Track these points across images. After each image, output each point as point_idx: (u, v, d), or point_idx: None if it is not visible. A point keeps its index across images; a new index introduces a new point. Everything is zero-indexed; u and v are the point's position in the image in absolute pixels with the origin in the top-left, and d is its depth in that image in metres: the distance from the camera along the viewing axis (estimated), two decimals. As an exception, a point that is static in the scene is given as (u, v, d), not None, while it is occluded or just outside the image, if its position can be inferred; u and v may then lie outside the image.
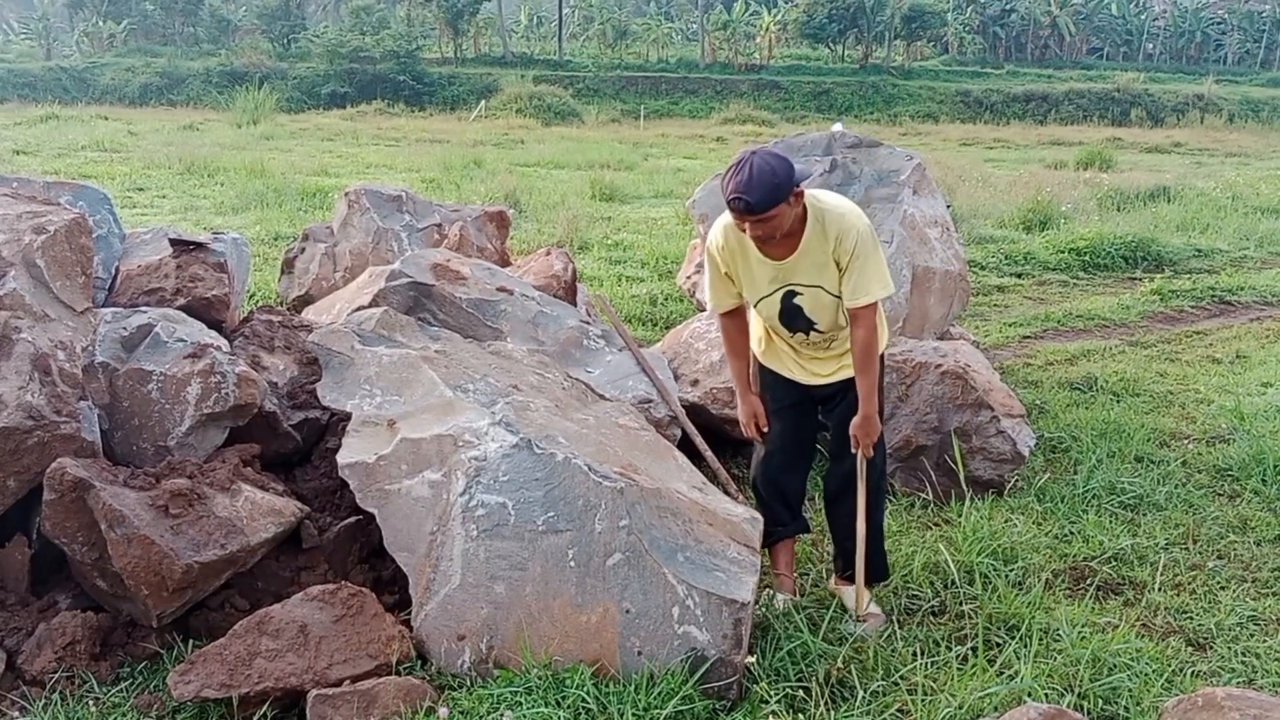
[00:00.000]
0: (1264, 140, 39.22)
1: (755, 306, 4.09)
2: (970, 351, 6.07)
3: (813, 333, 4.03)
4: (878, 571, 4.31)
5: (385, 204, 7.92)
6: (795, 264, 3.85)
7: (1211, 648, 4.12)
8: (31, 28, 71.90)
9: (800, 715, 3.46)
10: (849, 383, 4.08)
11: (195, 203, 14.52)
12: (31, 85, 52.86)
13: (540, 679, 3.48)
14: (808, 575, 4.60)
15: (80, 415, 3.95)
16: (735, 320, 4.17)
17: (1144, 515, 5.33)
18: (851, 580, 4.24)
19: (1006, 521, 5.10)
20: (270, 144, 25.28)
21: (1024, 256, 12.47)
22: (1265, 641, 4.16)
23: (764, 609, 4.04)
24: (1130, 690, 3.66)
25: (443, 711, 3.36)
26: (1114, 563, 4.79)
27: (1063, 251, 12.65)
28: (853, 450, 4.04)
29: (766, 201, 3.55)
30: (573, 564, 3.64)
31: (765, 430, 4.27)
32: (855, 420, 3.98)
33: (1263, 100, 56.18)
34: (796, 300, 3.94)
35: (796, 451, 4.34)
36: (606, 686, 3.47)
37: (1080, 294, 11.22)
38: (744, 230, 3.72)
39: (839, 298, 3.89)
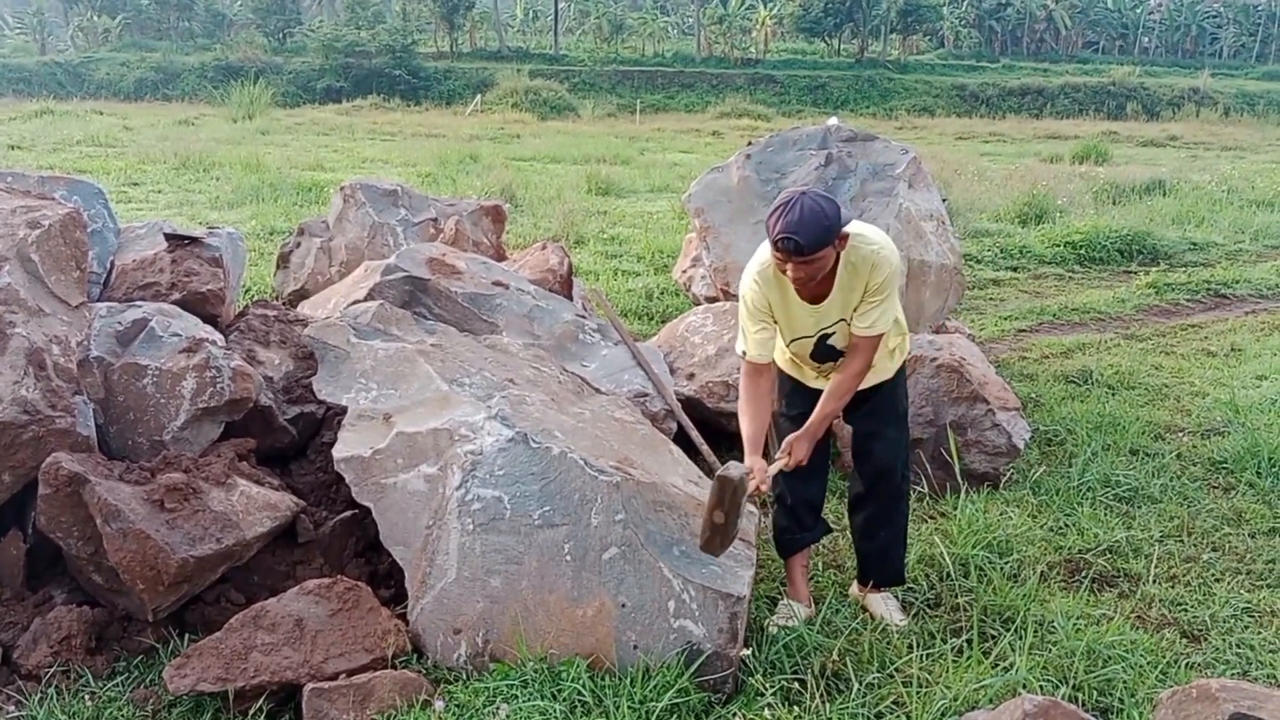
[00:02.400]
0: (1259, 133, 39.27)
1: (790, 345, 4.01)
2: (965, 345, 6.08)
3: (839, 362, 3.98)
4: (895, 576, 4.27)
5: (381, 199, 7.92)
6: (829, 306, 3.80)
7: (1206, 639, 4.13)
8: (26, 22, 71.78)
9: (795, 708, 3.46)
10: (869, 391, 4.05)
11: (191, 197, 14.50)
12: (26, 80, 52.78)
13: (536, 672, 3.49)
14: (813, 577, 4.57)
15: (75, 410, 3.94)
16: (764, 374, 3.93)
17: (1139, 508, 5.34)
18: (875, 588, 4.23)
19: (1002, 514, 5.10)
20: (266, 139, 25.24)
21: (1019, 250, 12.48)
22: (1259, 633, 4.17)
23: (778, 626, 3.96)
24: (1125, 682, 3.67)
25: (438, 705, 3.36)
26: (1109, 555, 4.80)
27: (1058, 245, 12.66)
28: (776, 457, 3.89)
29: (816, 243, 3.47)
30: (568, 558, 3.64)
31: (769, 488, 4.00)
32: (793, 435, 3.87)
33: (1258, 93, 56.25)
34: (829, 341, 3.90)
35: (817, 459, 4.16)
36: (602, 680, 3.47)
37: (1076, 287, 11.23)
38: (784, 272, 3.62)
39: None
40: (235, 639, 3.46)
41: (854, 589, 4.37)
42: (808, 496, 4.24)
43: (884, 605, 4.19)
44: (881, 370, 4.07)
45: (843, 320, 3.83)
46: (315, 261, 7.69)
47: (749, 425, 3.83)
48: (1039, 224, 13.97)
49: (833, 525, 4.64)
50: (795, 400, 4.20)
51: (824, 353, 3.96)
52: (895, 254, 3.79)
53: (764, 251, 3.78)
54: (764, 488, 3.73)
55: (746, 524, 3.99)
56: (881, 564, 4.24)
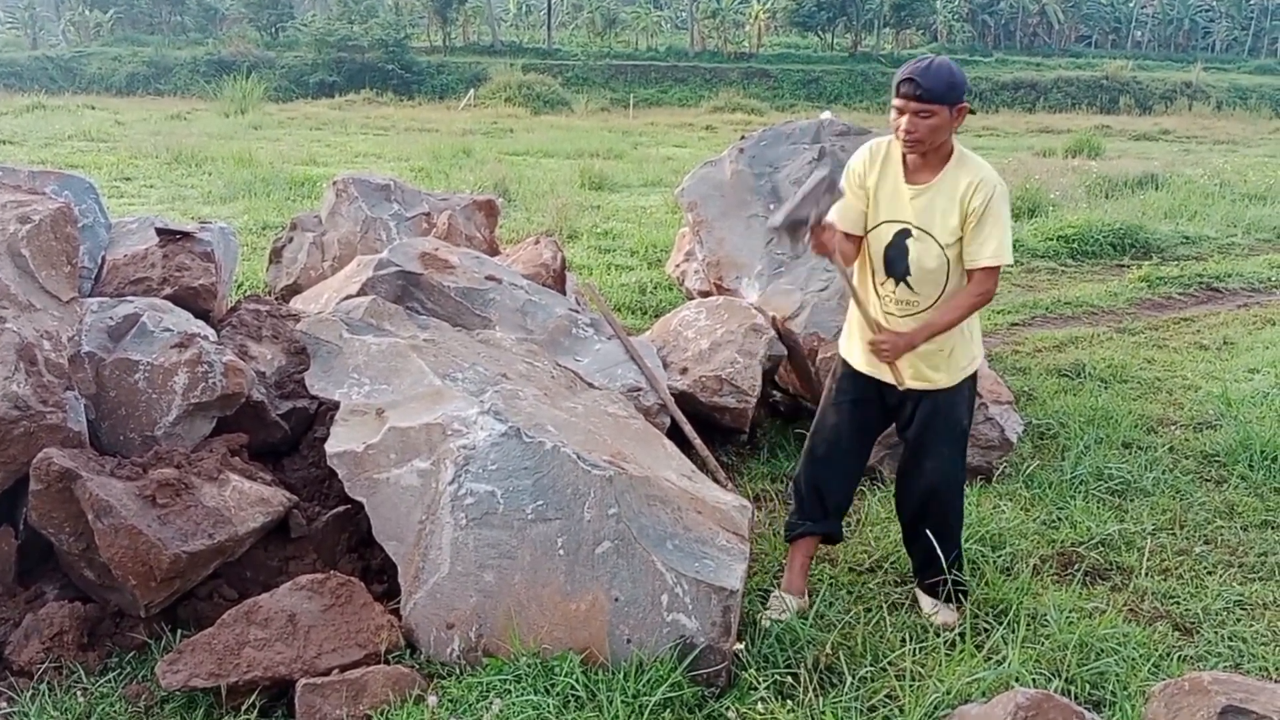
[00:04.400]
0: (1252, 127, 39.37)
1: (870, 232, 3.85)
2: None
3: (902, 286, 3.83)
4: (939, 569, 4.07)
5: (373, 193, 7.90)
6: (927, 197, 3.71)
7: (1198, 632, 4.14)
8: (17, 17, 71.57)
9: (789, 701, 3.46)
10: (923, 395, 3.92)
11: (183, 192, 14.47)
12: (17, 75, 52.57)
13: (529, 667, 3.48)
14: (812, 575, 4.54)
15: (66, 405, 3.93)
16: (841, 235, 3.78)
17: (1131, 501, 5.35)
18: (931, 590, 4.15)
19: (994, 508, 5.11)
20: (258, 133, 25.20)
21: (1012, 244, 12.44)
22: (1252, 626, 4.18)
23: (770, 620, 3.93)
24: (1117, 675, 3.68)
25: (432, 700, 3.36)
26: (1101, 548, 4.81)
27: (1051, 239, 12.67)
28: (870, 350, 3.81)
29: (938, 90, 3.51)
30: (562, 552, 3.64)
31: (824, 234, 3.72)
32: (895, 334, 3.77)
33: (1250, 87, 56.35)
34: (908, 241, 3.77)
35: (844, 450, 4.11)
36: (595, 674, 3.47)
37: (1068, 281, 11.24)
38: (899, 129, 3.61)
39: (944, 255, 3.72)
40: (228, 634, 3.46)
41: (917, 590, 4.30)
42: (821, 493, 4.14)
43: (933, 602, 4.16)
44: (950, 353, 3.89)
45: (930, 235, 3.72)
46: (308, 256, 7.67)
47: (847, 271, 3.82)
48: (1032, 218, 13.97)
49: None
50: (845, 385, 4.08)
51: (895, 256, 3.80)
52: (999, 178, 3.72)
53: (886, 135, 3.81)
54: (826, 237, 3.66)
55: (739, 518, 3.99)
56: (937, 566, 4.06)
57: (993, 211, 3.64)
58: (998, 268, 3.73)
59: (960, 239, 3.71)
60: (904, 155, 3.76)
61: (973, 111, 3.86)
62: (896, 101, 3.61)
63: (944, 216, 3.70)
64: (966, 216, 3.67)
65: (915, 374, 3.88)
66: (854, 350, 4.04)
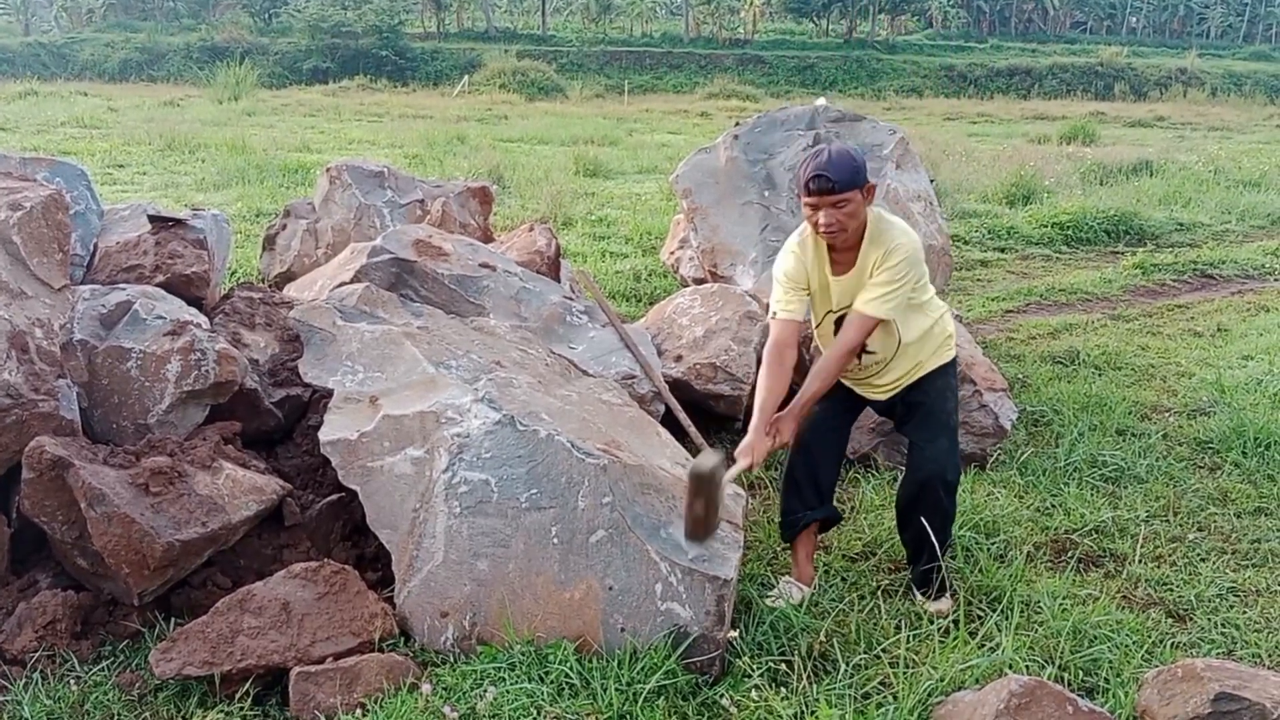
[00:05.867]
0: (1246, 114, 39.32)
1: (820, 323, 4.08)
2: (952, 325, 6.07)
3: (865, 355, 4.01)
4: (934, 562, 4.13)
5: (367, 180, 7.88)
6: (850, 282, 3.86)
7: (1191, 619, 4.15)
8: (10, 3, 71.08)
9: (783, 689, 3.47)
10: (917, 391, 4.07)
11: (176, 179, 14.42)
12: (10, 61, 52.27)
13: (523, 655, 3.49)
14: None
15: (58, 393, 3.92)
16: (790, 338, 3.94)
17: (1125, 488, 5.36)
18: (924, 579, 4.17)
19: (988, 495, 5.12)
20: (252, 120, 25.10)
21: (1007, 231, 12.49)
22: (1245, 613, 4.19)
23: (781, 602, 3.96)
24: (1110, 661, 3.69)
25: (425, 688, 3.36)
26: (1095, 535, 4.82)
27: (1045, 226, 12.68)
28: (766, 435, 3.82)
29: (846, 181, 3.63)
30: (556, 541, 3.64)
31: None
32: (778, 414, 3.82)
33: (1245, 74, 56.25)
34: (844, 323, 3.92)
35: (832, 428, 4.24)
36: (589, 662, 3.47)
37: (1063, 268, 11.25)
38: (818, 224, 3.72)
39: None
40: (221, 623, 3.45)
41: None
42: (817, 478, 4.22)
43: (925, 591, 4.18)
44: (927, 361, 4.08)
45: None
46: (301, 243, 7.65)
47: (764, 394, 3.81)
48: (1026, 205, 13.98)
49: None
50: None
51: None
52: (916, 244, 3.82)
53: (803, 227, 3.92)
54: (756, 466, 3.80)
55: (734, 506, 3.99)
56: (924, 558, 4.15)
57: (888, 268, 3.77)
58: (871, 319, 3.82)
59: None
60: (827, 246, 3.88)
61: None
62: (810, 200, 3.72)
63: (860, 285, 3.86)
64: (874, 272, 3.81)
65: (898, 383, 4.12)
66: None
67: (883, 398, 4.18)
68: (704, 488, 3.49)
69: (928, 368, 4.09)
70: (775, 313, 3.96)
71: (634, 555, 3.59)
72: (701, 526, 3.56)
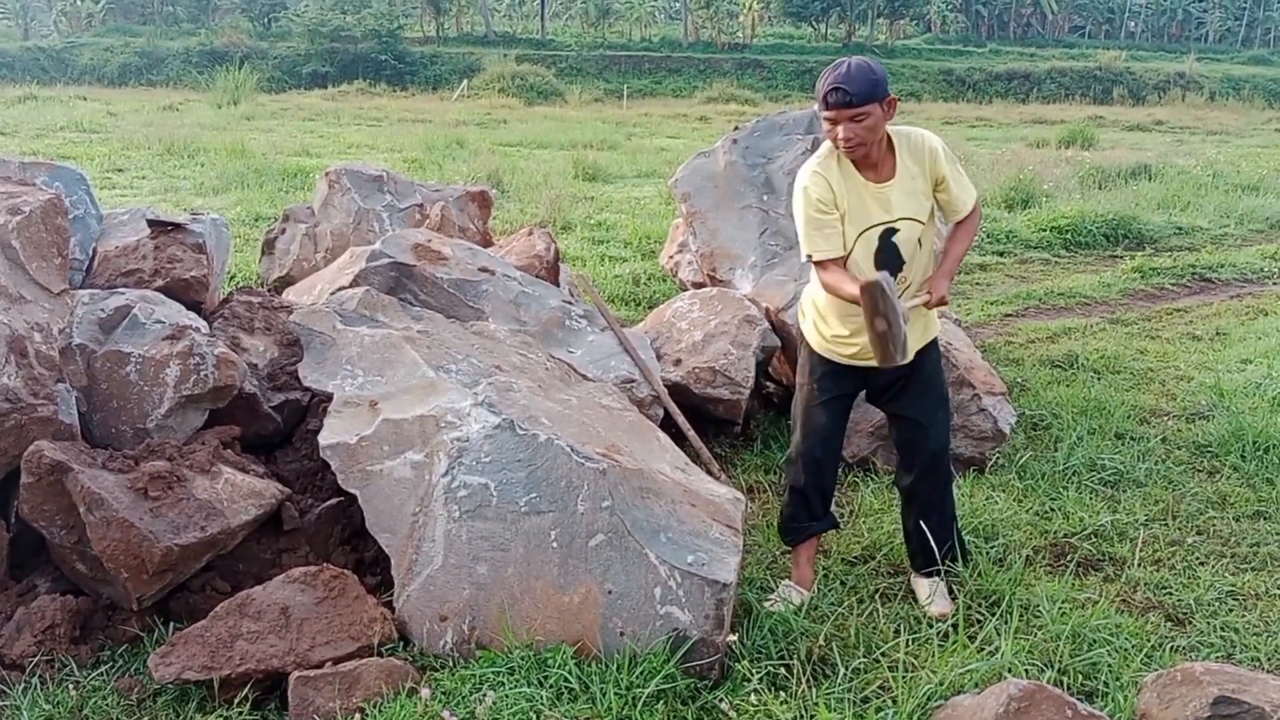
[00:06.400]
0: (1245, 118, 39.31)
1: (853, 247, 3.84)
2: (952, 329, 6.08)
3: (898, 276, 3.87)
4: (952, 555, 4.24)
5: (366, 184, 7.88)
6: (895, 189, 3.78)
7: (1190, 623, 4.15)
8: (9, 7, 71.15)
9: (782, 693, 3.46)
10: (914, 365, 3.99)
11: (175, 184, 14.43)
12: (9, 65, 52.34)
13: (522, 659, 3.48)
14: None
15: (58, 398, 3.92)
16: (836, 267, 3.80)
17: (1124, 492, 5.36)
18: (927, 575, 4.19)
19: (987, 499, 5.12)
20: (251, 124, 25.11)
21: (1006, 235, 12.48)
22: (1244, 616, 4.19)
23: (780, 606, 3.97)
24: (1110, 665, 3.69)
25: (425, 692, 3.36)
26: (1094, 539, 4.82)
27: (1044, 230, 12.67)
28: (921, 300, 3.83)
29: (865, 93, 3.55)
30: (555, 545, 3.64)
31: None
32: (934, 274, 3.88)
33: (1244, 78, 56.32)
34: (894, 238, 3.83)
35: (836, 440, 4.23)
36: (588, 666, 3.47)
37: (1062, 272, 11.25)
38: (837, 140, 3.66)
39: (923, 231, 3.86)
40: (220, 627, 3.45)
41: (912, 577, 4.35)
42: (824, 484, 4.22)
43: (930, 589, 4.17)
44: (932, 324, 4.10)
45: (912, 220, 3.82)
46: (300, 248, 7.65)
47: (849, 292, 3.67)
48: (1025, 209, 13.97)
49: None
50: (828, 385, 4.13)
51: (888, 255, 3.84)
52: (936, 137, 3.88)
53: (819, 151, 3.85)
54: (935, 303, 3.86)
55: (732, 510, 3.99)
56: (941, 545, 4.17)
57: (950, 160, 3.85)
58: (977, 203, 3.97)
59: (932, 205, 3.90)
60: (853, 162, 3.79)
61: (900, 99, 3.97)
62: (828, 114, 3.65)
63: (920, 198, 3.83)
64: (938, 182, 3.85)
65: (916, 342, 3.98)
66: (841, 346, 4.06)
67: (907, 357, 3.84)
68: (879, 300, 3.47)
69: (932, 333, 4.09)
70: (812, 255, 3.81)
71: (633, 559, 3.58)
72: (890, 343, 3.52)
